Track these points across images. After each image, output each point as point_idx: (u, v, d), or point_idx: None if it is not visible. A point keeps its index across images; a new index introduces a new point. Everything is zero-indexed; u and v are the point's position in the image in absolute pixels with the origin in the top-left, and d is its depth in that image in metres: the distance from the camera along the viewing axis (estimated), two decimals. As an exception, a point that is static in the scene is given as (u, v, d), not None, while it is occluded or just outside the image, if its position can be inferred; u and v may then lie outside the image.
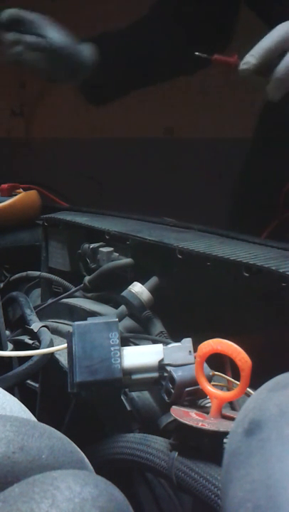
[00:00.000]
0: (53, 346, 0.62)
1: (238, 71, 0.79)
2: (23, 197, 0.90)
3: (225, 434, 0.40)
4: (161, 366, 0.50)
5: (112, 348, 0.50)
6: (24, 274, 0.83)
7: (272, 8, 1.17)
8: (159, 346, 0.51)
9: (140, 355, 0.51)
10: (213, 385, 0.47)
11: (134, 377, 0.50)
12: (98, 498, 0.31)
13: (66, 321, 0.69)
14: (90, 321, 0.52)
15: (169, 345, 0.51)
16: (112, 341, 0.50)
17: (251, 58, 0.77)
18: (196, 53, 0.84)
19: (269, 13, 1.22)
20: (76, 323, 0.51)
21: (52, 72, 1.05)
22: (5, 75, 1.86)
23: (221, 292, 0.60)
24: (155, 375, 0.50)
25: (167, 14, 1.20)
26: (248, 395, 0.44)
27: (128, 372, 0.50)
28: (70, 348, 0.50)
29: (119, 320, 0.58)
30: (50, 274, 0.79)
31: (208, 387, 0.46)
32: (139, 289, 0.61)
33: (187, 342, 0.51)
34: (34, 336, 0.66)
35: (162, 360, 0.50)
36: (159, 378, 0.50)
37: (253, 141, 1.25)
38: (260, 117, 1.29)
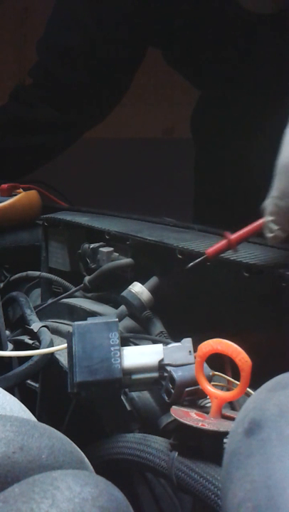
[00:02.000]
0: (53, 346, 0.62)
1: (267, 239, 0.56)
2: (23, 197, 0.90)
3: (225, 434, 0.40)
4: (161, 366, 0.50)
5: (112, 348, 0.50)
6: (24, 274, 0.83)
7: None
8: (159, 346, 0.51)
9: (140, 355, 0.51)
10: (213, 385, 0.47)
11: (134, 377, 0.50)
12: (98, 498, 0.31)
13: (66, 321, 0.69)
14: (90, 321, 0.52)
15: (169, 345, 0.51)
16: (112, 341, 0.50)
17: (275, 227, 0.54)
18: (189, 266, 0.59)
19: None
20: (76, 323, 0.51)
21: None
22: (5, 73, 1.86)
23: (221, 292, 0.60)
24: (155, 375, 0.50)
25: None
26: (248, 395, 0.44)
27: (128, 372, 0.50)
28: (70, 348, 0.50)
29: (119, 320, 0.58)
30: (50, 274, 0.79)
31: (208, 387, 0.46)
32: (139, 289, 0.61)
33: (187, 342, 0.51)
34: (34, 336, 0.66)
35: (162, 360, 0.50)
36: (159, 378, 0.50)
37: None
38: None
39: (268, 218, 0.53)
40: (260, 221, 0.55)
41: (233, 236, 0.56)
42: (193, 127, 1.40)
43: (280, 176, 0.52)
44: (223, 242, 0.57)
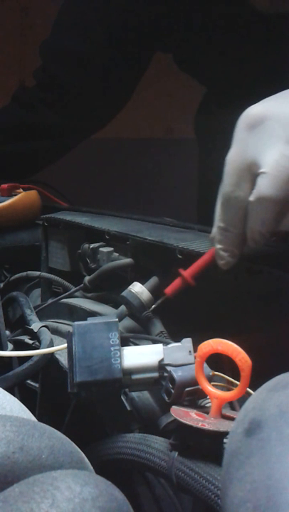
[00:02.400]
0: (53, 346, 0.62)
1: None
2: (23, 197, 0.90)
3: (225, 434, 0.40)
4: (161, 366, 0.50)
5: (112, 348, 0.50)
6: (24, 274, 0.83)
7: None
8: (159, 346, 0.51)
9: (140, 355, 0.51)
10: (213, 385, 0.47)
11: (134, 377, 0.50)
12: (98, 498, 0.31)
13: (66, 321, 0.69)
14: (90, 321, 0.52)
15: (169, 345, 0.51)
16: (112, 341, 0.50)
17: (225, 254, 0.54)
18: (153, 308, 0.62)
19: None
20: (76, 323, 0.51)
21: None
22: (5, 72, 1.86)
23: (221, 292, 0.60)
24: (155, 375, 0.50)
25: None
26: (248, 394, 0.44)
27: (128, 372, 0.50)
28: (70, 348, 0.50)
29: (119, 320, 0.58)
30: (50, 274, 0.79)
31: (208, 387, 0.46)
32: (139, 289, 0.61)
33: (187, 342, 0.51)
34: (34, 336, 0.66)
35: (162, 360, 0.50)
36: (159, 378, 0.50)
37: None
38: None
39: (217, 246, 0.55)
40: (211, 250, 0.56)
41: (186, 271, 0.58)
42: (196, 127, 1.39)
43: (222, 207, 0.53)
44: (178, 280, 0.58)
